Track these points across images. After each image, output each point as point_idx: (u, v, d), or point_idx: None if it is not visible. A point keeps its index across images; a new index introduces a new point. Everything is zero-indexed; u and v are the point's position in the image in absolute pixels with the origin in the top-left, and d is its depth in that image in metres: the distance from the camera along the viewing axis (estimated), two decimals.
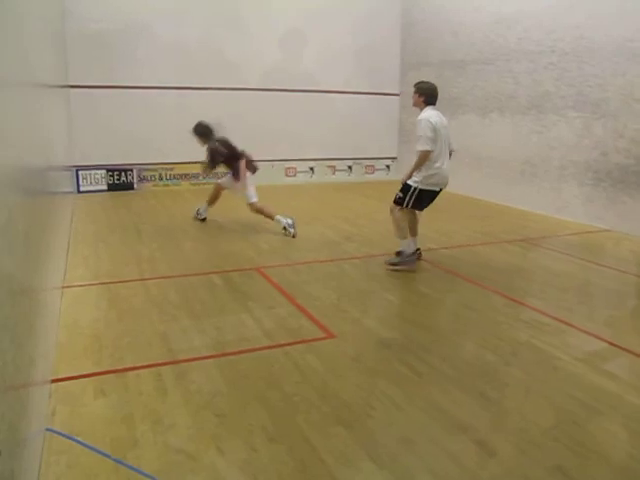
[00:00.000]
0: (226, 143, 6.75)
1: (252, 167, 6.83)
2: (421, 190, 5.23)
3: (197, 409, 2.81)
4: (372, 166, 11.93)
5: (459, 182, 9.71)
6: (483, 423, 2.75)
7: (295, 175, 11.16)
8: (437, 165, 5.19)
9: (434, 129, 5.11)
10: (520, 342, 3.76)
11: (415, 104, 5.46)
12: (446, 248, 6.19)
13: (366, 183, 11.43)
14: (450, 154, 5.40)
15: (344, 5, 10.90)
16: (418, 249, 5.52)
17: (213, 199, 7.26)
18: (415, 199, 5.26)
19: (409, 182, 5.27)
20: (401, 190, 5.33)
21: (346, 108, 11.12)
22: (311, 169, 11.31)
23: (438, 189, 5.33)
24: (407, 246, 5.35)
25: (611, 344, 3.74)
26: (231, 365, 3.30)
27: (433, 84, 5.49)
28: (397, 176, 11.87)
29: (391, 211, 5.43)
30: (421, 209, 5.50)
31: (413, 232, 5.54)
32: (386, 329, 3.95)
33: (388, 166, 12.07)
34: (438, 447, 2.54)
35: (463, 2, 9.86)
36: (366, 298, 4.62)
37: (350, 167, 11.70)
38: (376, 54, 11.39)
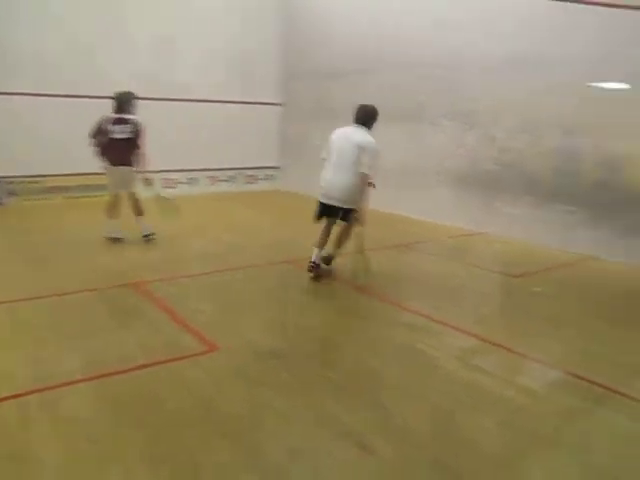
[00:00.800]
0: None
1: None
2: (319, 200, 5.42)
3: (68, 438, 2.62)
4: (254, 176, 11.91)
5: None
6: (366, 426, 2.81)
7: (175, 187, 10.85)
8: (326, 176, 5.32)
9: (333, 137, 5.42)
10: (400, 344, 3.91)
11: None
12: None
13: (248, 193, 11.39)
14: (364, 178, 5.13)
15: (221, 12, 10.81)
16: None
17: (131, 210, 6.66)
18: (318, 209, 5.43)
19: None
20: None
21: (224, 117, 11.02)
22: (191, 180, 11.08)
23: (327, 202, 5.30)
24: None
25: (483, 340, 3.99)
26: (108, 387, 3.13)
27: (362, 105, 5.67)
28: (281, 186, 11.99)
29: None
30: (332, 219, 5.47)
31: (320, 243, 5.47)
32: (271, 339, 3.94)
33: (270, 176, 12.11)
34: (324, 454, 2.57)
35: (341, 13, 10.18)
36: (251, 309, 4.59)
37: (231, 177, 11.60)
38: (255, 63, 11.41)
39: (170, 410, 2.90)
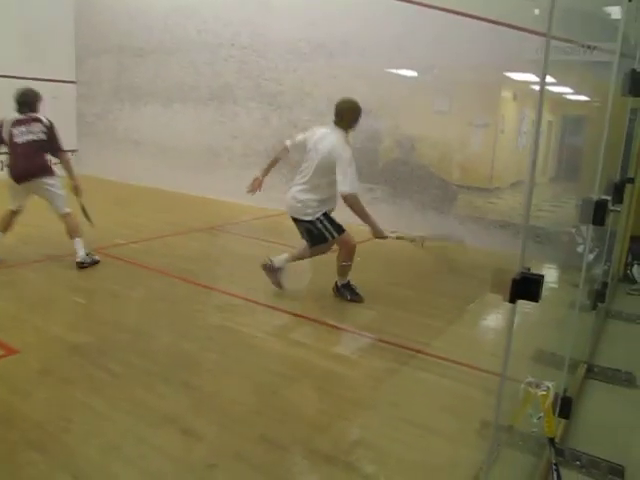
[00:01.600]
0: None
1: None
2: None
3: None
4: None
5: (145, 174, 9.61)
6: (187, 411, 2.76)
7: None
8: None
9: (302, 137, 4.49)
10: (215, 326, 3.89)
11: None
12: (135, 242, 6.02)
13: None
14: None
15: None
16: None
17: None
18: None
19: None
20: None
21: (9, 95, 9.84)
22: None
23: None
24: None
25: (297, 315, 4.13)
26: None
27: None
28: (78, 170, 11.08)
29: None
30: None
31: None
32: (76, 334, 3.65)
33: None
34: (146, 445, 2.46)
35: None
36: (51, 304, 4.21)
37: None
38: (45, 37, 10.24)
39: None
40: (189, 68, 9.07)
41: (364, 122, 7.24)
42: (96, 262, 5.06)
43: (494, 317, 4.43)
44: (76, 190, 5.34)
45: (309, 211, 4.31)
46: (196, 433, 2.57)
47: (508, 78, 6.53)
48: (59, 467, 2.30)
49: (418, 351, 3.59)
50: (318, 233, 4.32)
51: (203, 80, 8.82)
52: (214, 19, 8.63)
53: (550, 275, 5.79)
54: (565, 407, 2.67)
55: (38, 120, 5.24)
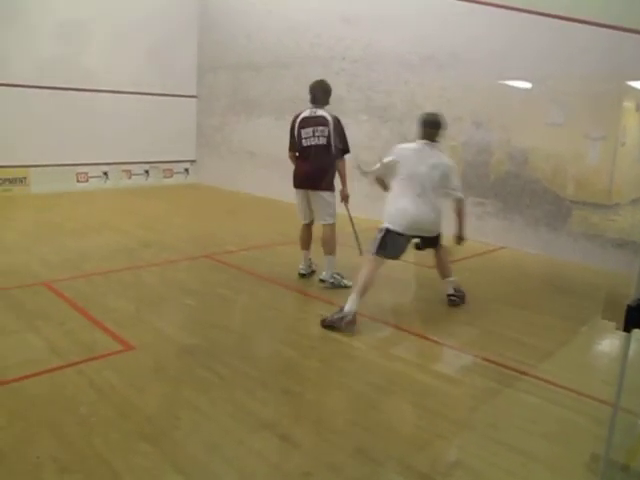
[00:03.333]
0: None
1: None
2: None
3: None
4: (170, 170, 11.61)
5: (258, 184, 9.98)
6: (286, 418, 2.82)
7: (87, 180, 10.40)
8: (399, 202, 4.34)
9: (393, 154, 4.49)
10: (318, 336, 3.95)
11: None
12: (245, 250, 6.26)
13: (164, 187, 11.10)
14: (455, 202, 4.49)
15: (136, 1, 10.40)
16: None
17: None
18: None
19: None
20: None
21: (138, 109, 10.64)
22: (105, 174, 10.65)
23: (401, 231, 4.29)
24: None
25: (400, 329, 4.10)
26: (13, 393, 2.96)
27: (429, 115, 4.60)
28: (196, 179, 11.77)
29: None
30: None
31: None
32: (187, 335, 3.86)
33: (187, 169, 11.85)
34: (244, 447, 2.55)
35: (257, 7, 10.06)
36: (166, 305, 4.48)
37: (147, 171, 11.25)
38: (170, 55, 11.04)
39: (84, 414, 2.77)
40: (302, 82, 9.31)
41: (475, 135, 7.13)
42: (343, 286, 4.84)
43: (609, 342, 4.14)
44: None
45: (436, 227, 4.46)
46: (293, 440, 2.62)
47: (630, 87, 6.10)
48: (167, 460, 2.44)
49: (523, 372, 3.44)
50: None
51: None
52: (327, 34, 8.82)
53: None
54: None
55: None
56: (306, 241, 5.17)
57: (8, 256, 5.63)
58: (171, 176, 11.64)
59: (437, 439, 2.71)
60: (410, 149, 4.47)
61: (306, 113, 4.97)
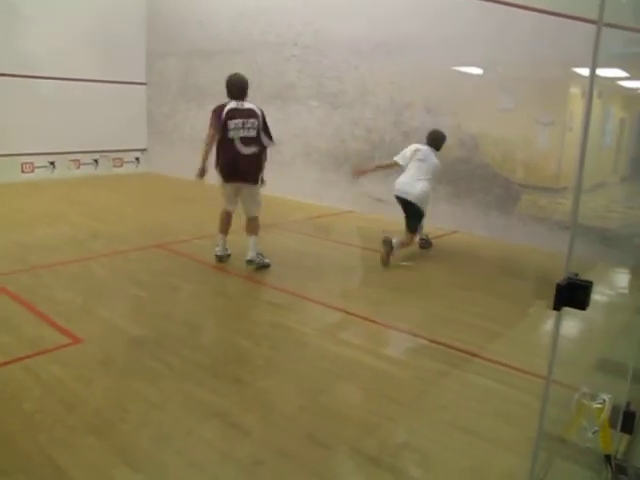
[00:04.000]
0: None
1: None
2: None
3: None
4: (120, 159, 11.31)
5: (211, 172, 9.83)
6: (236, 406, 2.81)
7: (33, 171, 10.03)
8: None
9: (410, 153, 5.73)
10: (270, 323, 3.95)
11: None
12: (198, 239, 6.18)
13: (114, 177, 10.83)
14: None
15: None
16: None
17: None
18: None
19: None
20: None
21: (85, 97, 10.29)
22: (51, 164, 10.29)
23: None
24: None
25: (348, 313, 4.13)
26: None
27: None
28: (147, 168, 11.53)
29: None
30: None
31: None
32: (137, 327, 3.79)
33: (137, 158, 11.58)
34: (194, 437, 2.53)
35: None
36: (115, 297, 4.39)
37: (96, 160, 10.92)
38: (117, 39, 10.69)
39: (28, 411, 2.70)
40: (253, 68, 9.21)
41: (426, 121, 7.20)
42: (265, 265, 5.11)
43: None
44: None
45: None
46: (244, 428, 2.61)
47: (577, 73, 6.26)
48: (113, 453, 2.40)
49: (471, 354, 3.52)
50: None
51: (266, 80, 8.93)
52: (278, 21, 8.74)
53: (619, 280, 5.54)
54: (628, 421, 2.53)
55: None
56: (226, 227, 5.25)
57: None
58: (121, 165, 11.35)
59: (387, 422, 2.75)
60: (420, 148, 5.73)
61: (232, 104, 4.91)
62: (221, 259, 5.26)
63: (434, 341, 3.68)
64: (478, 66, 6.80)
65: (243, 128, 4.85)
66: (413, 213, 5.59)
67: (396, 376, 3.21)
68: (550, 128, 6.30)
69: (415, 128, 7.34)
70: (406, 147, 5.81)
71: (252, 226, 5.13)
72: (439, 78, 7.02)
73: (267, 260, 5.13)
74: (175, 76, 10.87)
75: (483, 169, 6.79)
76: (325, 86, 8.28)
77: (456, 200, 7.07)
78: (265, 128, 4.97)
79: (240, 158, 4.86)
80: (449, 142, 6.78)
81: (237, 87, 4.97)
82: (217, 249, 5.25)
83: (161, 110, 11.30)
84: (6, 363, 3.16)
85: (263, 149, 4.98)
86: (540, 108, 6.32)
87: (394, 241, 5.34)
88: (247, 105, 4.93)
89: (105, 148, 10.96)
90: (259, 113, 4.93)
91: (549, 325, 4.34)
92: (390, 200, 7.66)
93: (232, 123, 4.83)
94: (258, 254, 5.09)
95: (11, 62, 9.29)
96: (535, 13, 5.73)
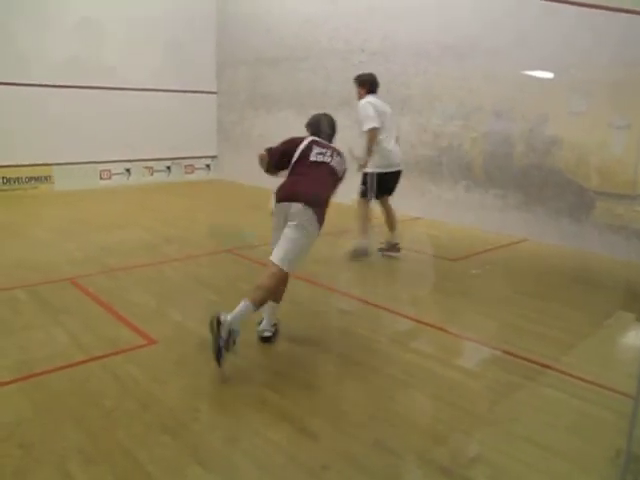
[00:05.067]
0: None
1: None
2: (379, 174, 5.46)
3: None
4: (192, 165, 11.70)
5: (277, 179, 9.98)
6: (305, 410, 2.84)
7: (110, 178, 10.54)
8: (387, 147, 5.47)
9: (375, 110, 5.37)
10: (339, 329, 3.96)
11: (359, 97, 5.61)
12: (265, 245, 6.25)
13: (186, 183, 11.20)
14: (397, 140, 5.69)
15: None
16: (396, 243, 5.82)
17: None
18: (377, 185, 5.48)
19: (366, 171, 5.39)
20: (362, 182, 5.52)
21: (159, 106, 10.72)
22: (127, 170, 10.77)
23: (394, 170, 5.57)
24: (360, 244, 5.71)
25: (419, 322, 4.09)
26: (39, 387, 3.02)
27: (372, 74, 5.67)
28: (217, 175, 11.84)
29: (358, 205, 5.63)
30: (388, 193, 5.70)
31: (391, 226, 5.77)
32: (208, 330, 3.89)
33: (208, 165, 11.93)
34: (263, 439, 2.57)
35: (274, 1, 10.11)
36: (188, 300, 4.53)
37: (169, 167, 11.35)
38: (189, 51, 11.13)
39: (108, 408, 2.83)
40: (320, 75, 9.31)
41: (496, 125, 7.05)
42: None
43: (633, 334, 4.08)
44: None
45: None
46: (312, 432, 2.64)
47: None
48: (187, 452, 2.47)
49: (545, 366, 3.41)
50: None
51: (334, 86, 8.99)
52: (345, 27, 8.79)
53: None
54: None
55: None
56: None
57: (35, 252, 5.73)
58: (193, 172, 11.73)
59: (458, 433, 2.70)
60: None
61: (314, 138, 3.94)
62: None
63: (506, 351, 3.59)
64: (548, 68, 6.58)
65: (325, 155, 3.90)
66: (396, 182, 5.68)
67: (467, 386, 3.16)
68: (626, 132, 6.02)
69: (484, 133, 7.21)
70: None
71: None
72: (508, 81, 6.86)
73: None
74: (243, 84, 11.13)
75: (555, 175, 6.57)
76: (393, 92, 8.24)
77: (526, 207, 6.87)
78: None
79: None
80: (520, 148, 6.61)
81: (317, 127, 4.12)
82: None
83: (230, 118, 11.60)
84: (87, 361, 3.32)
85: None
86: (615, 111, 6.06)
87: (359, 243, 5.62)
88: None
89: (177, 155, 11.36)
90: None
91: (628, 338, 4.16)
92: (460, 205, 7.60)
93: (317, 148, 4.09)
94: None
95: (94, 75, 9.83)
96: (608, 12, 5.51)
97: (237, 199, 9.83)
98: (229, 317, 3.11)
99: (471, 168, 7.44)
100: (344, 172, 3.92)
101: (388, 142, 5.50)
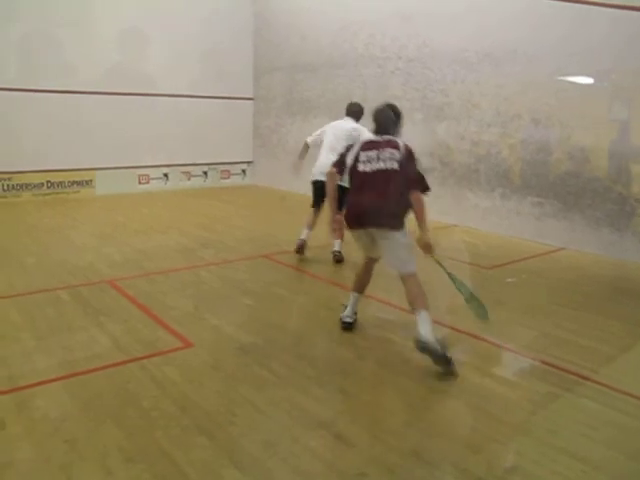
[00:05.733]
0: None
1: None
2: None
3: (42, 438, 2.60)
4: (228, 171, 11.85)
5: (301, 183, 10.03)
6: (342, 417, 2.85)
7: (148, 182, 10.75)
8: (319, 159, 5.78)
9: (321, 130, 5.98)
10: (375, 336, 3.96)
11: None
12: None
13: (222, 188, 11.34)
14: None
15: (190, 4, 10.64)
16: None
17: None
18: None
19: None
20: None
21: (196, 112, 10.91)
22: (165, 175, 10.98)
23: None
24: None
25: (455, 330, 4.06)
26: (82, 385, 3.11)
27: (352, 103, 6.05)
28: (253, 180, 11.97)
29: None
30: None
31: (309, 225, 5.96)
32: (245, 334, 3.94)
33: (244, 170, 12.06)
34: (299, 445, 2.59)
35: (311, 7, 10.17)
36: (224, 304, 4.59)
37: (205, 172, 11.52)
38: (227, 57, 11.31)
39: (146, 408, 2.89)
40: (356, 82, 9.33)
41: (534, 133, 6.95)
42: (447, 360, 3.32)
43: None
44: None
45: None
46: (348, 439, 2.64)
47: None
48: (223, 455, 2.51)
49: (584, 377, 3.34)
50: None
51: (370, 93, 9.00)
52: (381, 34, 8.80)
53: None
54: None
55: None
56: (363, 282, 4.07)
57: (76, 255, 5.89)
58: (229, 177, 11.87)
59: (494, 443, 2.68)
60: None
61: (370, 135, 3.99)
62: (348, 327, 4.02)
63: (544, 362, 3.53)
64: (588, 74, 6.47)
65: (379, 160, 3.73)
66: None
67: (504, 396, 3.12)
68: None
69: (522, 140, 7.12)
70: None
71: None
72: (547, 88, 6.77)
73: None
74: (280, 90, 11.23)
75: (594, 183, 6.44)
76: (429, 99, 8.22)
77: (564, 215, 6.75)
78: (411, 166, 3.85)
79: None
80: (557, 155, 6.50)
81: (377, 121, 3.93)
82: (345, 314, 4.06)
83: (266, 124, 11.71)
84: (126, 362, 3.40)
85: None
86: None
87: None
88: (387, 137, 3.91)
89: (214, 161, 11.52)
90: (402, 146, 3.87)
91: None
92: (497, 213, 7.50)
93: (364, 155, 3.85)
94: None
95: (135, 82, 10.08)
96: None
97: (272, 204, 9.92)
98: (427, 335, 3.35)
99: (508, 176, 7.35)
100: (404, 159, 3.64)
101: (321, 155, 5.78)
